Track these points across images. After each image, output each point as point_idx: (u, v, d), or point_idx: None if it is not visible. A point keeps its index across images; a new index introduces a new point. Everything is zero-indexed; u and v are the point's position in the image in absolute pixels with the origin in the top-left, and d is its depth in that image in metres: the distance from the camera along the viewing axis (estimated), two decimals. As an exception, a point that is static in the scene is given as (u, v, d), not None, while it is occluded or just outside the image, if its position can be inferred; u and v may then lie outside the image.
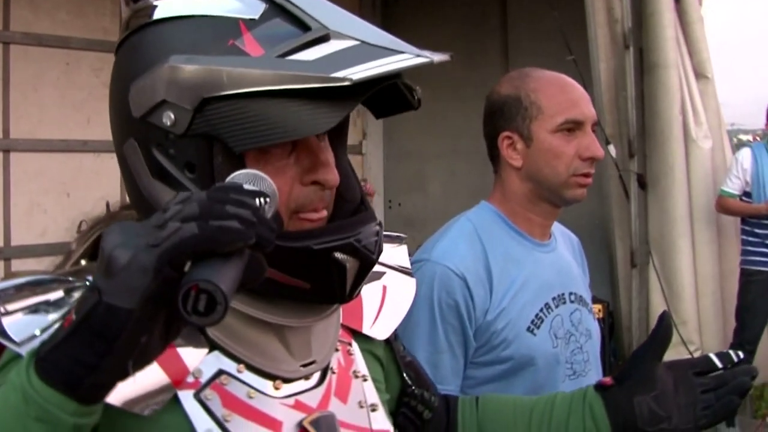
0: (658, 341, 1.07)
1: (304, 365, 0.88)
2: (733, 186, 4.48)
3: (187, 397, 0.80)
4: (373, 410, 0.95)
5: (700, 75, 4.62)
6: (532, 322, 1.51)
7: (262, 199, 0.69)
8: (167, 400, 0.78)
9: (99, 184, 4.53)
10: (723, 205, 4.50)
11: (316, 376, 0.89)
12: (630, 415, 1.04)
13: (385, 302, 1.06)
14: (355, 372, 0.96)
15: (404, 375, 1.12)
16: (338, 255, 0.81)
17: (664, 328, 1.07)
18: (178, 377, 0.79)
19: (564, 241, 1.70)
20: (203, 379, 0.81)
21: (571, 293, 1.59)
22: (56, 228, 4.61)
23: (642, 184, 4.52)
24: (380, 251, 0.86)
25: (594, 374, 1.59)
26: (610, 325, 4.68)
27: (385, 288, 1.08)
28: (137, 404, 0.75)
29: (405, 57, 0.76)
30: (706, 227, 4.54)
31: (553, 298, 1.55)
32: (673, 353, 1.14)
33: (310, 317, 0.87)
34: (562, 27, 4.38)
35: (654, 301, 4.41)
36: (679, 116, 4.40)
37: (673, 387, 1.05)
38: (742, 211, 4.52)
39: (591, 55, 4.42)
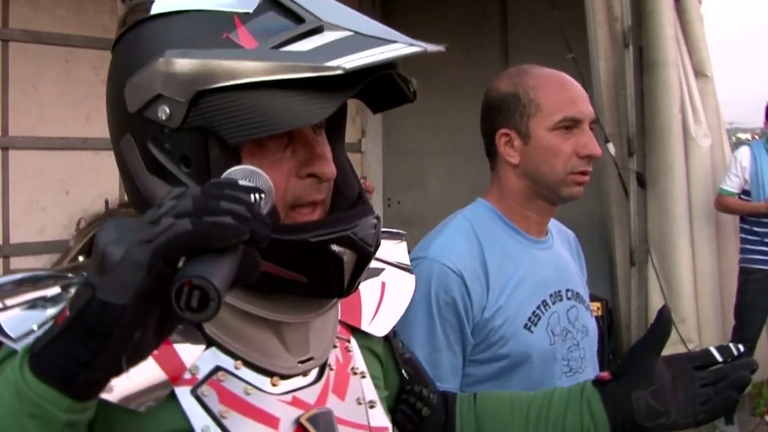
0: (656, 336, 1.06)
1: (302, 362, 0.88)
2: (732, 184, 4.48)
3: (183, 394, 0.80)
4: (372, 407, 0.95)
5: (700, 74, 4.61)
6: (529, 319, 1.51)
7: (257, 195, 0.69)
8: (164, 397, 0.78)
9: (98, 181, 4.52)
10: (722, 203, 4.50)
11: (314, 373, 0.89)
12: (628, 411, 1.04)
13: (384, 299, 1.06)
14: (353, 369, 0.96)
15: (403, 372, 1.12)
16: (335, 247, 0.81)
17: (663, 322, 1.07)
18: (175, 374, 0.79)
19: (561, 238, 1.70)
20: (200, 376, 0.81)
21: (568, 290, 1.59)
22: (55, 225, 4.60)
23: (641, 182, 4.52)
24: (378, 244, 0.86)
25: (590, 371, 1.58)
26: (609, 324, 4.68)
27: (384, 284, 1.08)
28: (133, 400, 0.75)
29: (398, 46, 0.76)
30: (705, 226, 4.54)
31: (550, 295, 1.55)
32: (672, 351, 1.13)
33: (308, 313, 0.87)
34: (561, 26, 4.38)
35: (653, 299, 4.41)
36: (678, 115, 4.40)
37: (671, 382, 1.04)
38: (741, 209, 4.52)
39: (590, 54, 4.41)
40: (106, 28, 4.66)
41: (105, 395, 0.73)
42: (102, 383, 0.64)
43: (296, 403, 0.86)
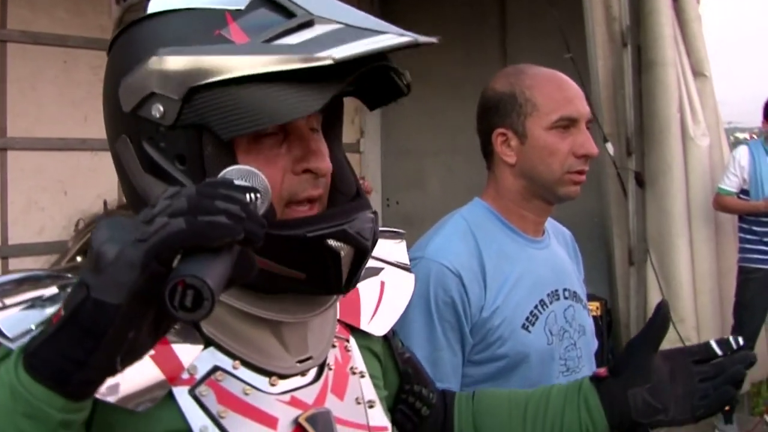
0: (654, 331, 1.06)
1: (300, 361, 0.88)
2: (730, 184, 4.48)
3: (181, 394, 0.79)
4: (371, 407, 0.95)
5: (698, 73, 4.62)
6: (527, 319, 1.51)
7: (252, 195, 0.69)
8: (161, 397, 0.77)
9: (97, 182, 4.52)
10: (720, 202, 4.50)
11: (313, 373, 0.89)
12: (625, 407, 1.04)
13: (383, 298, 1.06)
14: (352, 368, 0.96)
15: (402, 372, 1.12)
16: (332, 242, 0.81)
17: (661, 317, 1.06)
18: (173, 374, 0.79)
19: (557, 237, 1.69)
20: (198, 376, 0.81)
21: (565, 289, 1.59)
22: (54, 226, 4.60)
23: (640, 182, 4.52)
24: (376, 239, 0.86)
25: (587, 370, 1.58)
26: (608, 323, 4.68)
27: (383, 284, 1.08)
28: (131, 400, 0.75)
29: (388, 37, 0.76)
30: (704, 225, 4.54)
31: (548, 295, 1.55)
32: (671, 350, 1.13)
33: (306, 313, 0.87)
34: (560, 25, 4.38)
35: (652, 298, 4.41)
36: (676, 114, 4.40)
37: (669, 377, 1.04)
38: (739, 208, 4.53)
39: (589, 53, 4.41)
40: (104, 29, 4.66)
41: (103, 395, 0.73)
42: (97, 383, 0.64)
43: (295, 402, 0.85)
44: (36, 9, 4.54)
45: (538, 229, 1.61)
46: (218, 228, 0.60)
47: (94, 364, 0.61)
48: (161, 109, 0.79)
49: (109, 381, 0.72)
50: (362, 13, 0.81)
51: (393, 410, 1.12)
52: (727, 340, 1.07)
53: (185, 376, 0.80)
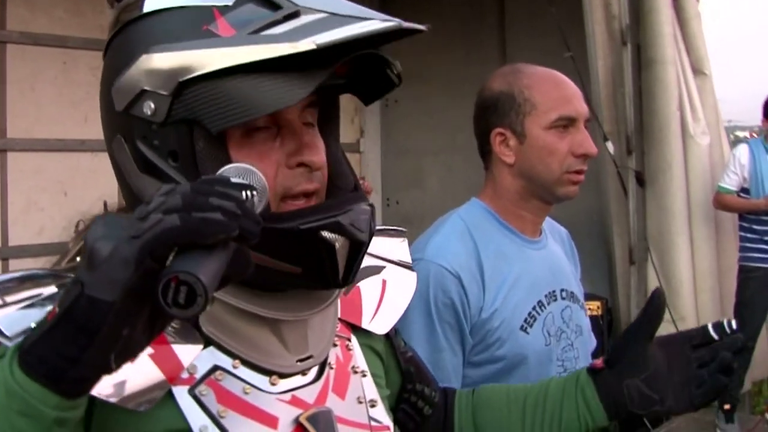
0: (649, 319, 1.04)
1: (301, 360, 0.87)
2: (730, 182, 4.48)
3: (181, 393, 0.79)
4: (372, 406, 0.95)
5: (698, 71, 4.61)
6: (525, 320, 1.50)
7: (248, 192, 0.69)
8: (161, 397, 0.77)
9: (96, 183, 4.52)
10: (720, 201, 4.50)
11: (314, 372, 0.89)
12: (621, 399, 1.03)
13: (385, 296, 1.06)
14: (353, 367, 0.95)
15: (404, 370, 1.11)
16: (326, 234, 0.80)
17: (655, 305, 1.05)
18: (173, 373, 0.79)
19: (554, 236, 1.69)
20: (198, 375, 0.81)
21: (562, 290, 1.59)
22: (53, 227, 4.60)
23: (640, 180, 4.52)
24: (372, 232, 0.86)
25: None
26: (609, 322, 4.68)
27: (384, 282, 1.07)
28: (131, 400, 0.75)
29: (371, 23, 0.76)
30: (704, 224, 4.54)
31: (546, 296, 1.55)
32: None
33: (306, 310, 0.87)
34: (559, 24, 4.38)
35: (652, 297, 4.40)
36: (676, 113, 4.40)
37: (666, 365, 1.02)
38: (739, 206, 4.52)
39: (588, 52, 4.41)
40: (104, 30, 4.57)
41: (102, 395, 0.73)
42: (91, 381, 0.63)
43: (295, 402, 0.85)
44: (35, 9, 4.54)
45: (536, 229, 1.61)
46: (212, 224, 0.60)
47: (88, 362, 0.61)
48: (152, 106, 0.79)
49: (108, 381, 0.71)
50: (350, 3, 0.81)
51: (395, 409, 1.11)
52: (721, 323, 1.04)
53: (185, 375, 0.80)
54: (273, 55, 0.74)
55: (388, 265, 1.10)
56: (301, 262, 0.81)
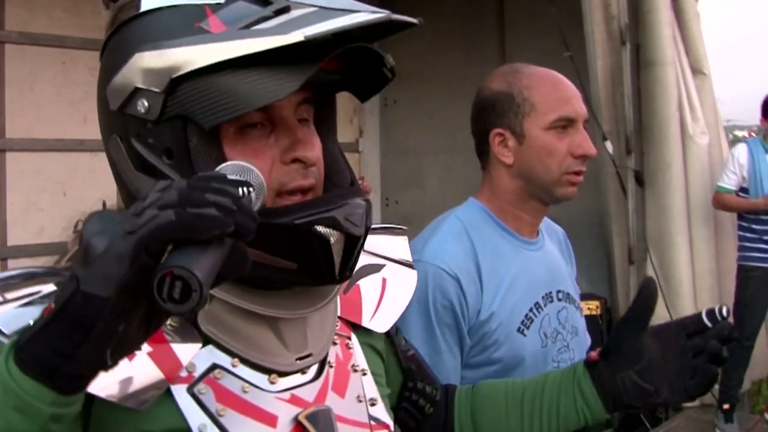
0: (640, 310, 1.03)
1: (300, 358, 0.87)
2: (729, 182, 4.48)
3: (180, 392, 0.79)
4: (372, 404, 0.95)
5: (697, 71, 4.62)
6: (522, 322, 1.49)
7: (245, 189, 0.68)
8: (159, 395, 0.77)
9: (96, 183, 4.52)
10: (720, 200, 4.50)
11: (313, 370, 0.89)
12: (616, 391, 1.03)
13: (385, 295, 1.06)
14: (353, 366, 0.95)
15: (405, 369, 1.11)
16: (321, 229, 0.80)
17: (646, 295, 1.04)
18: (172, 372, 0.79)
19: (550, 236, 1.68)
20: (196, 374, 0.81)
21: (558, 291, 1.58)
22: (53, 227, 4.60)
23: (639, 180, 4.52)
24: (368, 227, 0.86)
25: None
26: (608, 322, 4.68)
27: (384, 280, 1.07)
28: (129, 399, 0.75)
29: (360, 15, 0.76)
30: (703, 223, 4.54)
31: (542, 297, 1.54)
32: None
33: (305, 308, 0.87)
34: (559, 24, 4.38)
35: (652, 297, 4.40)
36: (676, 113, 4.40)
37: (661, 355, 1.01)
38: (739, 206, 4.52)
39: (588, 52, 4.41)
40: (102, 30, 4.65)
41: (100, 393, 0.73)
42: (87, 377, 0.63)
43: (295, 400, 0.85)
44: (34, 9, 4.54)
45: (533, 230, 1.60)
46: (207, 220, 0.60)
47: (83, 358, 0.60)
48: (146, 104, 0.80)
49: (107, 379, 0.72)
50: None
51: (396, 408, 1.11)
52: (713, 310, 1.03)
53: (183, 374, 0.80)
54: (261, 48, 0.74)
55: (389, 264, 1.10)
56: (296, 257, 0.81)
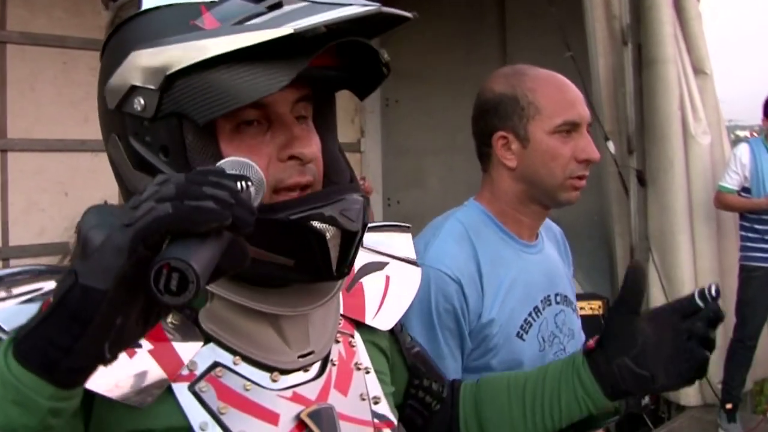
0: (629, 294, 1.02)
1: (302, 356, 0.87)
2: (731, 181, 4.47)
3: (181, 390, 0.79)
4: (376, 402, 0.95)
5: (699, 71, 4.61)
6: (521, 327, 1.48)
7: (244, 183, 0.68)
8: (160, 393, 0.77)
9: (97, 183, 4.52)
10: (721, 200, 4.49)
11: (316, 368, 0.89)
12: (613, 380, 1.02)
13: (389, 292, 1.05)
14: (356, 364, 0.95)
15: (410, 366, 1.11)
16: (316, 224, 0.80)
17: (632, 279, 1.02)
18: (173, 370, 0.79)
19: (548, 237, 1.67)
20: (198, 372, 0.81)
21: (557, 294, 1.57)
22: (54, 227, 4.60)
23: (641, 180, 4.52)
24: (365, 223, 0.85)
25: None
26: (610, 322, 4.67)
27: (388, 278, 1.07)
28: (130, 396, 0.75)
29: (351, 8, 0.76)
30: (705, 223, 4.54)
31: (541, 301, 1.53)
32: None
33: (306, 305, 0.87)
34: (560, 23, 4.37)
35: (654, 297, 4.40)
36: (677, 112, 4.39)
37: (657, 339, 1.00)
38: (740, 206, 4.51)
39: (589, 52, 4.41)
40: (102, 30, 4.65)
41: (102, 390, 0.73)
42: (86, 371, 0.63)
43: (297, 398, 0.85)
44: (35, 9, 4.54)
45: (533, 233, 1.58)
46: (204, 212, 0.60)
47: (82, 351, 0.60)
48: (142, 102, 0.80)
49: (108, 377, 0.71)
50: None
51: (403, 405, 1.11)
52: (702, 290, 1.01)
53: (185, 372, 0.80)
54: (251, 42, 0.74)
55: (392, 261, 1.10)
56: (293, 253, 0.81)
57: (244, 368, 0.83)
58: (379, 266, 1.07)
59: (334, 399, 0.88)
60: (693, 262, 4.45)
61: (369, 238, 1.10)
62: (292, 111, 0.84)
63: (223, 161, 0.76)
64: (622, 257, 4.57)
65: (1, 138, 4.49)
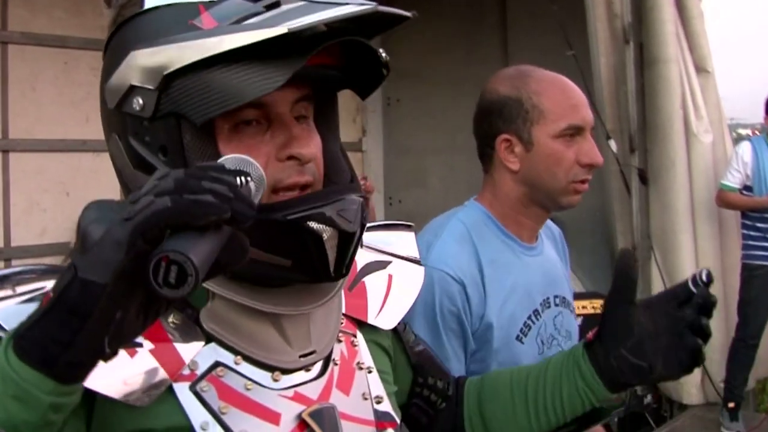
0: (622, 281, 1.01)
1: (304, 355, 0.87)
2: (733, 180, 4.46)
3: (182, 389, 0.79)
4: (378, 402, 0.94)
5: (701, 69, 4.60)
6: (521, 330, 1.48)
7: (243, 178, 0.68)
8: (161, 392, 0.77)
9: (98, 183, 4.52)
10: (723, 199, 4.48)
11: (318, 368, 0.89)
12: (612, 371, 1.01)
13: (391, 291, 1.05)
14: (359, 363, 0.95)
15: (414, 365, 1.10)
16: (313, 225, 0.80)
17: (623, 266, 1.01)
18: (174, 369, 0.79)
19: (547, 236, 1.66)
20: (199, 371, 0.80)
21: (556, 296, 1.57)
22: (56, 228, 4.60)
23: (643, 179, 4.51)
24: (363, 224, 0.85)
25: None
26: (612, 321, 4.66)
27: (390, 277, 1.07)
28: (131, 396, 0.75)
29: (347, 7, 0.76)
30: (707, 222, 4.53)
31: (540, 304, 1.53)
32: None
33: (307, 305, 0.86)
34: (561, 22, 4.37)
35: (656, 296, 4.40)
36: (679, 111, 4.39)
37: (654, 328, 0.98)
38: (742, 204, 4.51)
39: (591, 51, 4.40)
40: (104, 30, 4.64)
41: (103, 390, 0.73)
42: (86, 366, 0.63)
43: (298, 398, 0.85)
44: (35, 10, 4.54)
45: (533, 235, 1.58)
46: (203, 206, 0.60)
47: (81, 345, 0.60)
48: (141, 101, 0.80)
49: (109, 376, 0.71)
50: None
51: (408, 404, 1.11)
52: (694, 276, 0.99)
53: (186, 372, 0.80)
54: (246, 42, 0.74)
55: (395, 260, 1.09)
56: (290, 254, 0.81)
57: (246, 368, 0.83)
58: (381, 265, 1.06)
59: (336, 398, 0.88)
60: (695, 260, 4.45)
61: (372, 237, 1.10)
62: (292, 111, 0.84)
63: (223, 158, 0.76)
64: (624, 256, 4.55)
65: (2, 138, 4.49)
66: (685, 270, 4.38)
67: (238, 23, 0.77)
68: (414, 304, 1.09)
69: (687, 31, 4.55)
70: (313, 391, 0.86)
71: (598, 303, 4.41)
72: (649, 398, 4.57)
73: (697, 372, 4.46)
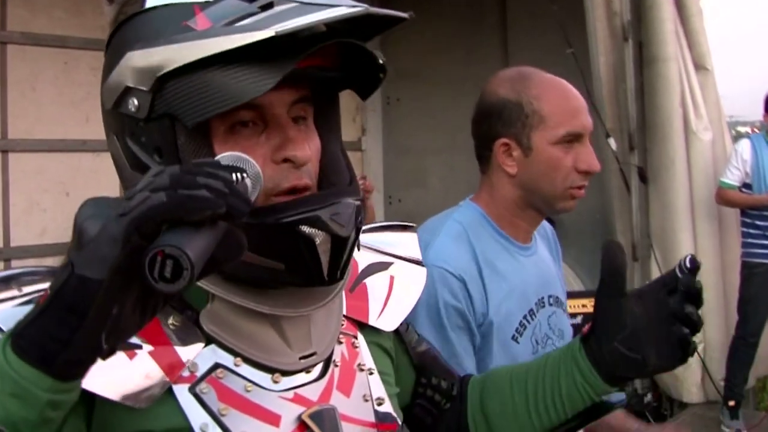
0: (609, 273, 0.98)
1: (304, 357, 0.87)
2: (732, 177, 4.46)
3: (182, 391, 0.79)
4: (379, 404, 0.94)
5: (700, 67, 4.60)
6: (516, 330, 1.48)
7: (239, 175, 0.69)
8: (161, 394, 0.77)
9: (98, 183, 4.52)
10: (723, 196, 4.48)
11: (318, 369, 0.88)
12: (606, 365, 0.99)
13: (393, 293, 1.05)
14: (360, 365, 0.95)
15: (417, 366, 1.10)
16: (305, 229, 0.79)
17: (609, 258, 0.98)
18: (174, 371, 0.79)
19: (541, 237, 1.66)
20: (199, 373, 0.81)
21: (549, 296, 1.57)
22: (56, 227, 4.59)
23: (643, 177, 4.51)
24: (359, 228, 0.84)
25: None
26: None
27: (392, 278, 1.06)
28: (131, 398, 0.75)
29: (337, 9, 0.76)
30: (707, 220, 4.53)
31: (536, 303, 1.53)
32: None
33: (307, 306, 0.86)
34: (561, 21, 4.37)
35: (656, 294, 4.39)
36: (679, 109, 4.38)
37: (647, 318, 0.96)
38: (742, 202, 4.51)
39: (590, 49, 4.40)
40: (104, 30, 4.64)
41: (103, 392, 0.73)
42: (84, 363, 0.63)
43: (298, 400, 0.85)
44: (35, 10, 4.54)
45: (528, 236, 1.58)
46: (198, 201, 0.60)
47: (80, 343, 0.61)
48: (136, 102, 0.80)
49: (109, 378, 0.72)
50: None
51: (411, 405, 1.10)
52: (680, 263, 0.96)
53: (185, 373, 0.80)
54: (235, 45, 0.73)
55: (396, 261, 1.09)
56: (283, 257, 0.81)
57: (245, 369, 0.83)
58: (383, 266, 1.06)
59: (337, 400, 0.88)
60: (695, 258, 4.44)
61: (374, 238, 1.10)
62: (290, 112, 0.84)
63: (220, 155, 0.76)
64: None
65: (2, 138, 4.49)
66: (685, 268, 4.38)
67: (231, 24, 0.77)
68: (416, 304, 1.09)
69: (686, 29, 4.54)
70: (313, 392, 0.86)
71: (597, 302, 4.40)
72: (649, 397, 4.57)
73: (698, 370, 4.46)
